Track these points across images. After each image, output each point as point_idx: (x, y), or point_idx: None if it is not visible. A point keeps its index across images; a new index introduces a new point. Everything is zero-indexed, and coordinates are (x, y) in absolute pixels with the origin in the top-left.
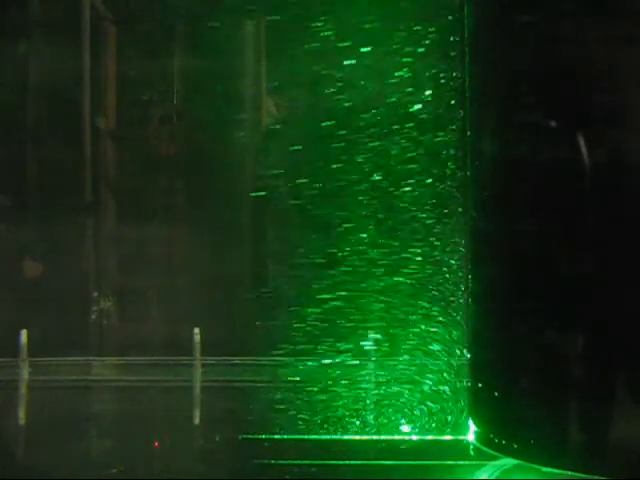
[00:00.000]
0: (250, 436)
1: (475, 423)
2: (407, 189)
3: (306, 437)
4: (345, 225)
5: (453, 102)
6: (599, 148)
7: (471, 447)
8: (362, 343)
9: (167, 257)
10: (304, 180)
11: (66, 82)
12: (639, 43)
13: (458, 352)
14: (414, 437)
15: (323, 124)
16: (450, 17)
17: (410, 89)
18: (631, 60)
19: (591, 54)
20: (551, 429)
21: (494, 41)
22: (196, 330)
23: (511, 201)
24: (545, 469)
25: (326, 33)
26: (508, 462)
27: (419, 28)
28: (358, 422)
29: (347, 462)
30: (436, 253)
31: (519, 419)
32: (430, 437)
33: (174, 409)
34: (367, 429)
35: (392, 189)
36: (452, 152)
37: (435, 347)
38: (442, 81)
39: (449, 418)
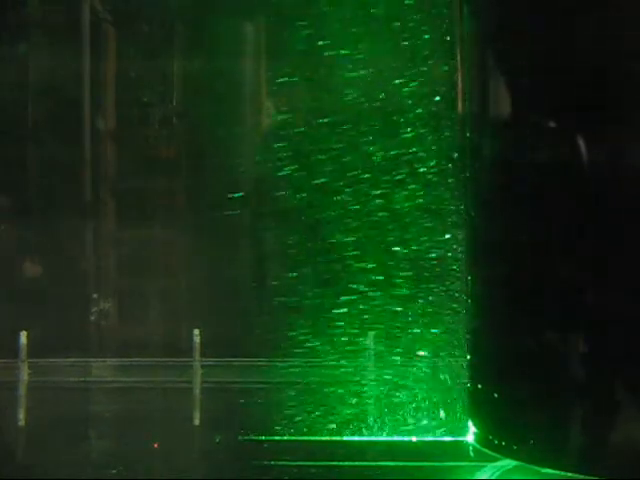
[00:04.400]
0: (250, 437)
1: (475, 424)
2: None
3: (305, 438)
4: None
5: None
6: (599, 149)
7: (471, 448)
8: None
9: (166, 257)
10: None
11: (66, 83)
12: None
13: None
14: (414, 438)
15: None
16: None
17: None
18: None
19: (592, 53)
20: (550, 430)
21: (493, 41)
22: (196, 331)
23: (510, 202)
24: (544, 470)
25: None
26: (508, 463)
27: None
28: None
29: (347, 463)
30: None
31: (518, 420)
32: (430, 438)
33: (174, 410)
34: None
35: None
36: None
37: None
38: None
39: None
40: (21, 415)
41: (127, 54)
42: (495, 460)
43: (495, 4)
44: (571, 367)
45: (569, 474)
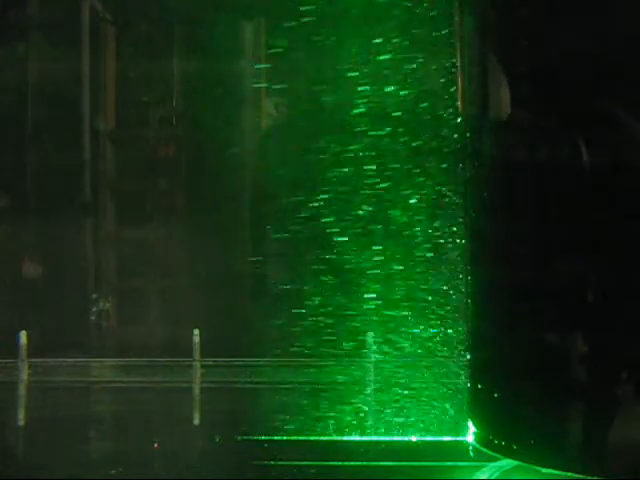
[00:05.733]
0: (249, 437)
1: (474, 424)
2: None
3: (305, 438)
4: None
5: None
6: (599, 149)
7: (470, 448)
8: None
9: (166, 258)
10: None
11: (66, 83)
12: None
13: None
14: (413, 438)
15: None
16: None
17: None
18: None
19: (591, 52)
20: (550, 430)
21: (492, 42)
22: (196, 331)
23: (510, 201)
24: (545, 470)
25: None
26: (507, 463)
27: None
28: None
29: (347, 463)
30: None
31: (519, 420)
32: (430, 438)
33: (173, 410)
34: None
35: None
36: None
37: None
38: None
39: None
40: (21, 415)
41: (127, 54)
42: (495, 460)
43: (495, 4)
44: (571, 367)
45: (569, 474)
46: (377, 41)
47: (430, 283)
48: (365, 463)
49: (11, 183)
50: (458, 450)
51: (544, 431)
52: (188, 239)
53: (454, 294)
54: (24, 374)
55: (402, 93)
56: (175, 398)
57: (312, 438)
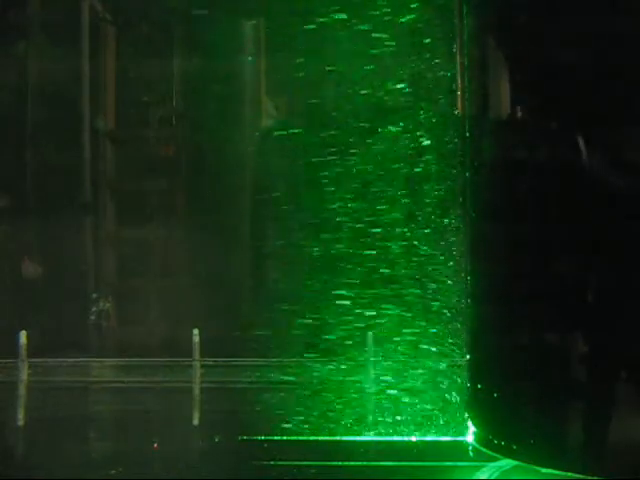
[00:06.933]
0: (250, 437)
1: (474, 424)
2: None
3: (306, 438)
4: None
5: None
6: (599, 149)
7: (470, 448)
8: None
9: (166, 258)
10: None
11: (66, 83)
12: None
13: None
14: (413, 438)
15: None
16: None
17: None
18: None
19: (591, 53)
20: (550, 430)
21: (493, 42)
22: (195, 331)
23: (510, 201)
24: (544, 470)
25: None
26: (507, 463)
27: None
28: None
29: (347, 463)
30: None
31: (518, 420)
32: (430, 438)
33: (173, 410)
34: None
35: None
36: None
37: None
38: None
39: None
40: (21, 415)
41: (127, 54)
42: (495, 460)
43: (495, 4)
44: (571, 367)
45: (569, 474)
46: None
47: None
48: (365, 463)
49: (11, 183)
50: (458, 450)
51: (544, 431)
52: (188, 239)
53: None
54: (24, 374)
55: None
56: (175, 398)
57: (312, 438)
